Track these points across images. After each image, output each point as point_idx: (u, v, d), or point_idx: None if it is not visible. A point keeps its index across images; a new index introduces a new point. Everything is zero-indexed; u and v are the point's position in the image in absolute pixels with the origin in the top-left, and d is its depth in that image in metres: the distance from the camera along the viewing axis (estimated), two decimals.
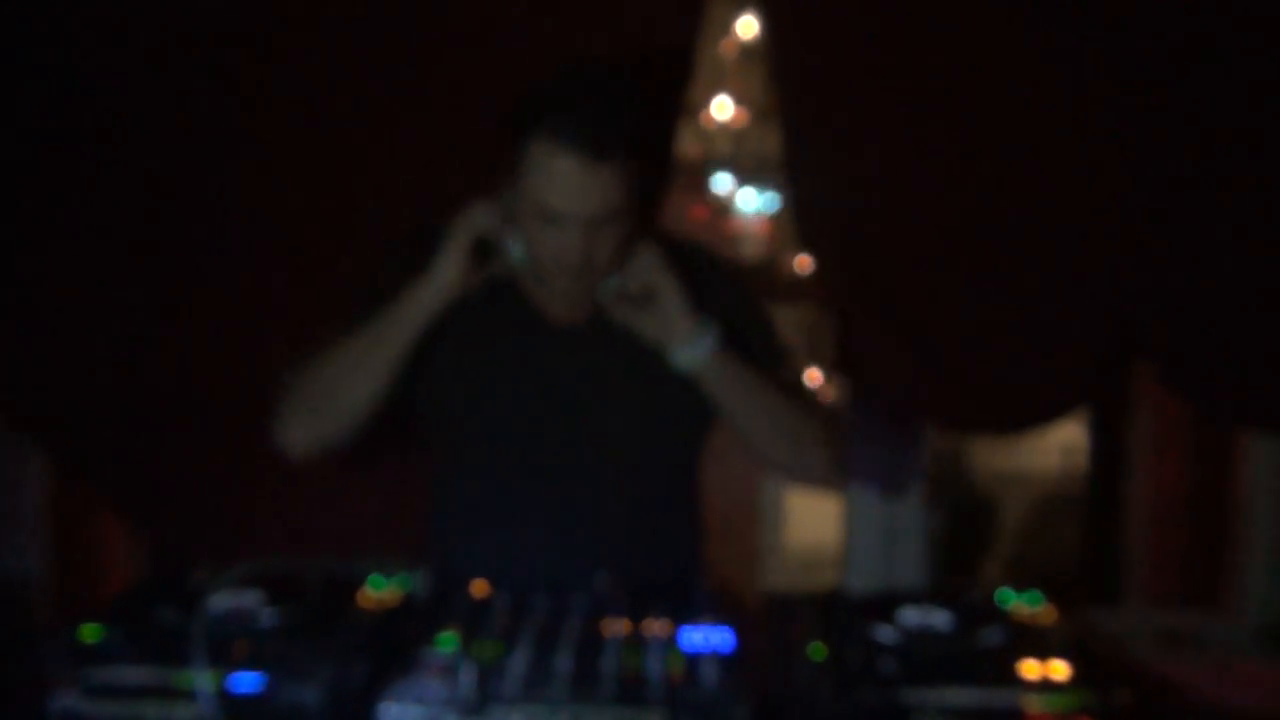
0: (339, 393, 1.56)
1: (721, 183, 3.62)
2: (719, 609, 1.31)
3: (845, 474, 1.68)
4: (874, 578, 2.32)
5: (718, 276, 1.68)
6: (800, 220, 2.19)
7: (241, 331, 2.16)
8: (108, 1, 2.05)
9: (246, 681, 1.12)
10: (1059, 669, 1.19)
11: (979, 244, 2.15)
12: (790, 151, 2.17)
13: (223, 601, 1.30)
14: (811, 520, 4.39)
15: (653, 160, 2.04)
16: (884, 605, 1.33)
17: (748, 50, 2.97)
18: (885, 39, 2.12)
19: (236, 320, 2.15)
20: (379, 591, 1.41)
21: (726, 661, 1.19)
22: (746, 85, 3.10)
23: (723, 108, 3.09)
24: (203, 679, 1.06)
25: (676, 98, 2.16)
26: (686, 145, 3.04)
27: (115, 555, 2.41)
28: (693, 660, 1.19)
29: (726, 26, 2.99)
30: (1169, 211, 2.12)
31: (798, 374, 1.72)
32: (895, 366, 2.19)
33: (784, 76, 2.14)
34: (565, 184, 1.44)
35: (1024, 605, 1.38)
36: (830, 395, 1.79)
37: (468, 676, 1.12)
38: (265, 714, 1.11)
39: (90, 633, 1.22)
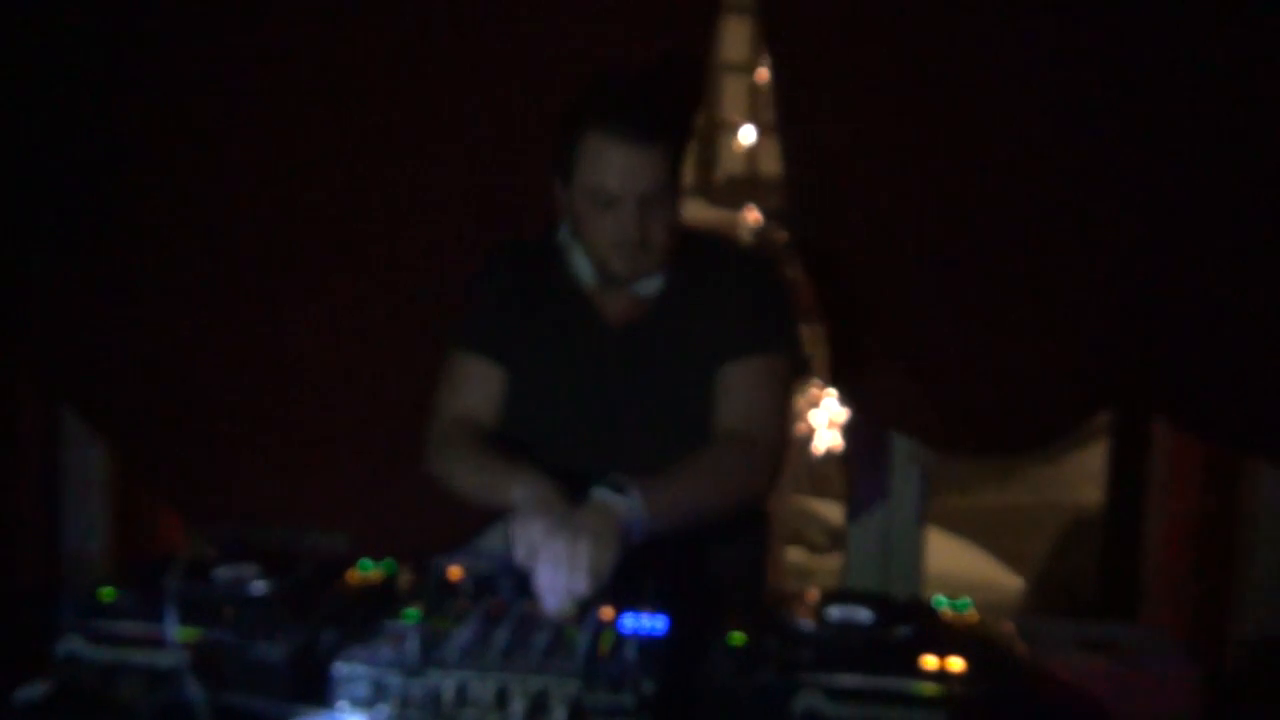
0: (457, 488, 1.79)
1: None
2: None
3: (771, 483, 1.80)
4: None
5: (751, 264, 1.88)
6: (794, 236, 2.30)
7: (287, 337, 2.35)
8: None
9: (223, 637, 1.29)
10: (955, 664, 1.28)
11: (972, 266, 2.23)
12: (788, 166, 2.28)
13: (224, 573, 1.49)
14: None
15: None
16: (819, 603, 1.45)
17: None
18: (884, 47, 2.20)
19: (281, 327, 2.34)
20: (365, 573, 1.58)
21: (650, 643, 1.31)
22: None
23: (748, 135, 3.22)
24: (172, 629, 1.23)
25: (691, 106, 2.28)
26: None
27: (171, 533, 2.63)
28: (622, 640, 1.32)
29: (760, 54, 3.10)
30: (1167, 238, 2.17)
31: (773, 373, 1.79)
32: (888, 387, 2.28)
33: (782, 93, 2.25)
34: (619, 166, 1.65)
35: (950, 610, 1.48)
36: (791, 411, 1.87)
37: (413, 643, 1.27)
38: (237, 666, 1.27)
39: (107, 594, 1.42)
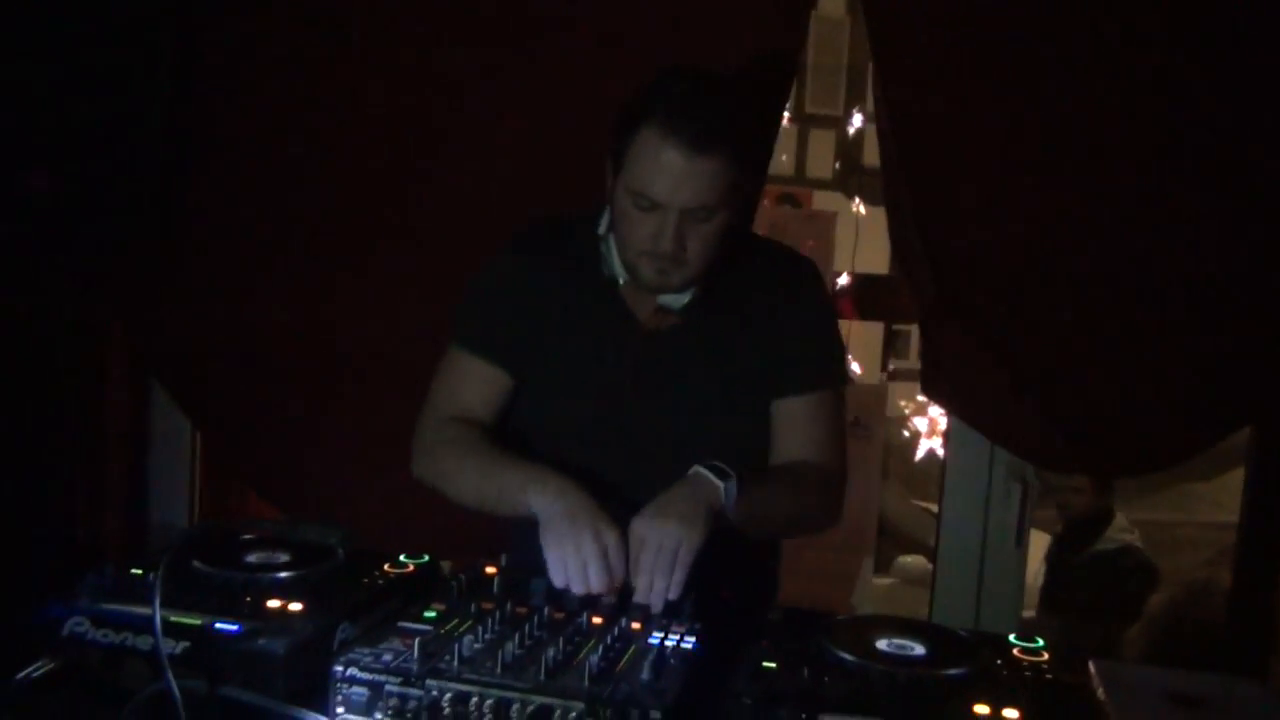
0: (453, 492, 1.70)
1: None
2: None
3: (840, 516, 1.70)
4: (963, 616, 2.24)
5: (802, 284, 1.74)
6: (897, 234, 2.15)
7: (369, 325, 2.33)
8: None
9: (226, 626, 1.24)
10: (1010, 714, 1.14)
11: (1094, 273, 2.05)
12: (902, 162, 2.13)
13: (256, 558, 1.46)
14: None
15: (755, 167, 2.05)
16: (871, 631, 1.32)
17: None
18: (1004, 46, 2.04)
19: (363, 314, 2.33)
20: (399, 567, 1.52)
21: (667, 663, 1.21)
22: None
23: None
24: (155, 616, 1.18)
25: (779, 103, 2.18)
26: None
27: (259, 505, 2.64)
28: (644, 658, 1.22)
29: None
30: None
31: (835, 405, 1.73)
32: (992, 395, 2.11)
33: (891, 96, 2.11)
34: (667, 173, 1.51)
35: (1022, 648, 1.33)
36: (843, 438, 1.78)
37: (416, 649, 1.20)
38: (236, 656, 1.22)
39: (137, 573, 1.39)
